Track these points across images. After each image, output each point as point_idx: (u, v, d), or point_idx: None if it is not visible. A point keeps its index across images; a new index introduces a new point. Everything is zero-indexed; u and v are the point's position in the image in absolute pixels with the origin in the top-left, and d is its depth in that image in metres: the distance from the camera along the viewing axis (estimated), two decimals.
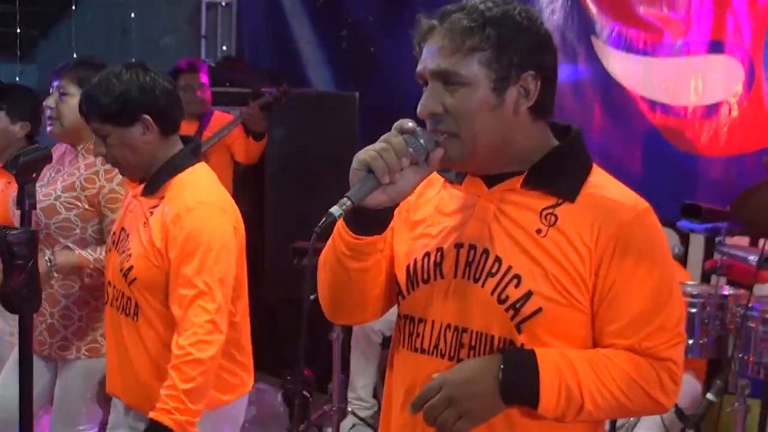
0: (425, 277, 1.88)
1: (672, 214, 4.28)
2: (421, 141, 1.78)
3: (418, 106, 1.84)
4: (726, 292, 3.67)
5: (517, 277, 1.77)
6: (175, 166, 2.82)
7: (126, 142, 2.79)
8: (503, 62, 1.80)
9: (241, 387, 2.99)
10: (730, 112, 4.86)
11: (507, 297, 1.77)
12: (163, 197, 2.79)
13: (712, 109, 4.92)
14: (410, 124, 1.79)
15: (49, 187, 3.35)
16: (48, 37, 6.81)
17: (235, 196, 5.92)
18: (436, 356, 1.85)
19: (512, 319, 1.76)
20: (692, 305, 3.53)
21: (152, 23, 7.24)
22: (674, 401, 1.87)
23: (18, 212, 2.58)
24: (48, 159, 2.47)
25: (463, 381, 1.77)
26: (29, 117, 3.90)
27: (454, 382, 1.77)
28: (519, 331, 1.76)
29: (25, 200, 2.23)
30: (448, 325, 1.84)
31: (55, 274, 3.23)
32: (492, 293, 1.78)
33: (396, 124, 1.81)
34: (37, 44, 6.65)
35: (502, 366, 1.75)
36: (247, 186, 6.09)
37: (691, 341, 3.55)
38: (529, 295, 1.75)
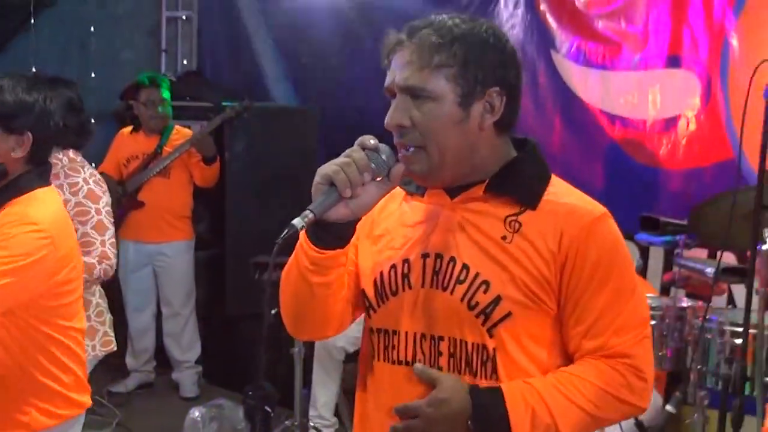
0: (393, 289, 1.91)
1: (631, 226, 4.33)
2: (383, 157, 1.81)
3: (386, 118, 1.87)
4: (684, 304, 3.71)
5: (486, 283, 1.81)
6: (17, 188, 2.64)
7: None
8: (469, 78, 1.84)
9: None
10: (687, 125, 4.94)
11: (477, 303, 1.80)
12: None
13: (670, 123, 5.00)
14: (372, 141, 1.82)
15: None
16: (6, 51, 6.75)
17: (196, 212, 5.97)
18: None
19: (483, 324, 1.81)
20: (651, 317, 3.55)
21: (112, 37, 7.20)
22: (648, 399, 1.89)
23: None
24: (5, 174, 2.43)
25: (438, 419, 1.81)
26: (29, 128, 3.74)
27: (429, 418, 1.81)
28: (490, 336, 1.80)
29: None
30: (423, 335, 1.87)
31: None
32: (462, 300, 1.82)
33: (358, 140, 1.83)
34: None
35: (471, 413, 1.78)
36: (208, 201, 6.09)
37: None
38: (498, 300, 1.79)
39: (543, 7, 5.50)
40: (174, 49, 7.68)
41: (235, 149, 5.97)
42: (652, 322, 3.59)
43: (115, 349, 3.68)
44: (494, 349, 1.81)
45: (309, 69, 6.77)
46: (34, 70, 6.60)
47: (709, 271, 3.80)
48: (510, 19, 5.66)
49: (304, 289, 1.92)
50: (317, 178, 1.79)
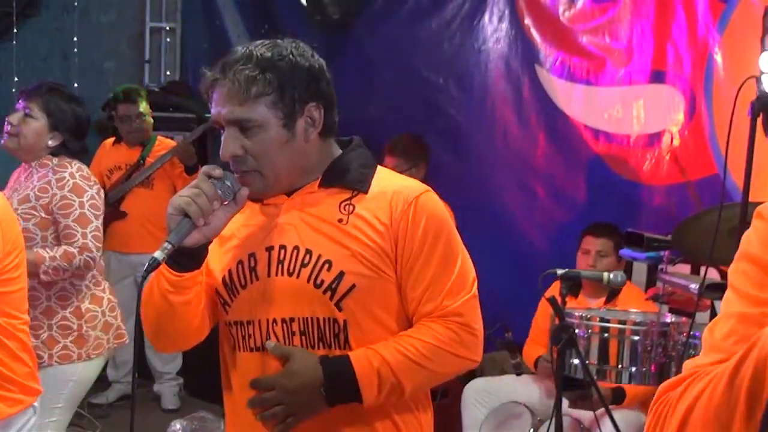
0: (242, 282, 2.07)
1: None
2: (228, 183, 1.98)
3: (220, 150, 2.03)
4: (668, 320, 3.72)
5: (328, 262, 1.98)
6: None
7: None
8: (287, 101, 2.01)
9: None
10: (671, 141, 4.95)
11: (322, 281, 1.97)
12: None
13: (654, 138, 5.03)
14: (218, 171, 1.99)
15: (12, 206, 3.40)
16: None
17: None
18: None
19: (331, 299, 1.98)
20: (635, 333, 3.56)
21: (94, 48, 7.21)
22: (478, 353, 2.12)
23: None
24: None
25: (292, 389, 1.99)
26: None
27: (284, 389, 1.99)
28: (339, 309, 1.98)
29: None
30: (274, 320, 2.02)
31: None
32: (308, 281, 1.98)
33: (203, 170, 2.00)
34: None
35: (323, 380, 1.96)
36: None
37: (634, 369, 3.59)
38: (341, 275, 1.97)
39: (527, 21, 5.54)
40: (157, 60, 7.71)
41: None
42: (636, 338, 3.60)
43: (127, 342, 3.75)
44: (344, 321, 1.99)
45: None
46: (16, 79, 6.59)
47: (693, 287, 3.81)
48: (494, 33, 5.70)
49: (165, 308, 2.07)
50: (170, 210, 1.94)
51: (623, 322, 3.69)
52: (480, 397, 4.70)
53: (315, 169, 2.11)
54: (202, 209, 1.92)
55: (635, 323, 3.68)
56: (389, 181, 2.13)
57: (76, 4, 7.12)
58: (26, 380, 2.87)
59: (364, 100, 6.12)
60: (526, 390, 4.64)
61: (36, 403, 2.94)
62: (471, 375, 4.82)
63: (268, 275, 2.04)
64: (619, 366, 3.70)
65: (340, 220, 2.05)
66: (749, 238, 1.11)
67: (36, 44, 6.89)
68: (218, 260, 2.14)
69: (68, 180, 3.53)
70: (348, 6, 6.42)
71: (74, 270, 3.46)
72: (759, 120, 3.28)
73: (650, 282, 4.66)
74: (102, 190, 3.69)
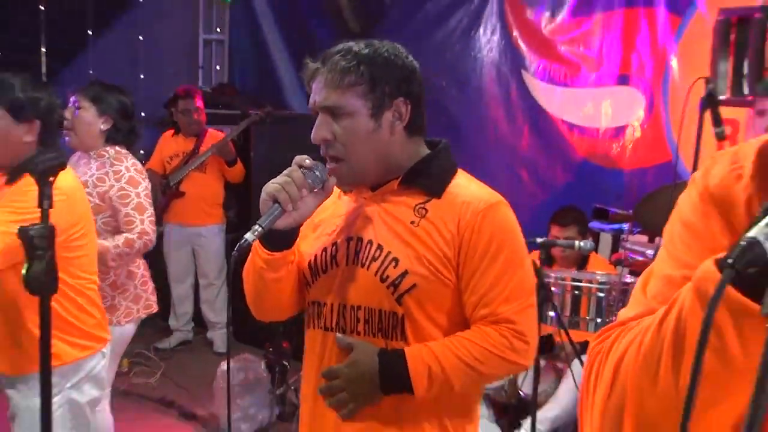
0: (324, 267, 1.92)
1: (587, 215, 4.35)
2: (317, 173, 1.80)
3: (312, 134, 1.86)
4: (628, 280, 3.72)
5: (395, 260, 1.82)
6: (32, 164, 2.42)
7: (2, 132, 2.64)
8: (377, 93, 1.82)
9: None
10: (633, 133, 4.94)
11: (387, 276, 1.82)
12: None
13: (619, 131, 5.03)
14: (308, 161, 1.82)
15: None
16: (70, 65, 6.72)
17: (227, 201, 5.96)
18: (338, 332, 1.90)
19: (393, 294, 1.81)
20: (600, 290, 3.55)
21: (158, 56, 7.16)
22: (529, 358, 1.89)
23: None
24: (63, 166, 2.38)
25: (353, 378, 1.84)
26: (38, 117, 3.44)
27: (347, 377, 1.85)
28: (400, 304, 1.81)
29: (44, 201, 2.13)
30: (343, 305, 1.88)
31: None
32: (375, 274, 1.83)
33: (296, 160, 1.83)
34: (60, 72, 6.56)
35: (379, 371, 1.82)
36: (237, 192, 6.09)
37: (599, 320, 3.57)
38: (405, 273, 1.81)
39: (515, 33, 5.52)
40: (209, 65, 7.68)
41: (258, 149, 5.97)
42: (601, 294, 3.59)
43: (156, 310, 3.63)
44: (403, 315, 1.83)
45: None
46: (91, 72, 6.59)
47: (650, 253, 3.82)
48: (488, 43, 5.67)
49: (260, 284, 1.94)
50: (263, 195, 1.78)
51: (591, 282, 3.66)
52: None
53: (399, 165, 1.90)
54: (291, 196, 1.76)
55: (600, 282, 3.66)
56: (464, 189, 1.90)
57: (142, 20, 7.10)
58: (94, 330, 2.82)
59: None
60: None
61: (105, 349, 2.88)
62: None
63: (346, 264, 1.88)
64: (587, 318, 3.65)
65: (412, 222, 1.86)
66: (683, 201, 1.04)
67: (108, 52, 6.87)
68: (309, 244, 1.99)
69: (124, 173, 3.36)
70: (366, 21, 6.39)
71: (135, 253, 3.35)
72: (707, 114, 3.27)
73: (614, 249, 4.66)
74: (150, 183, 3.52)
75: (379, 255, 1.83)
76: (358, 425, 1.88)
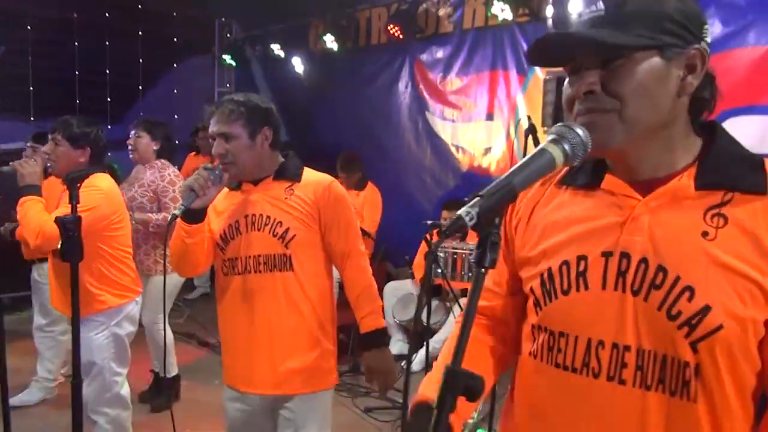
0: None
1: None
2: (217, 172, 1.91)
3: (212, 150, 1.95)
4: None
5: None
6: (86, 174, 2.44)
7: (65, 155, 2.65)
8: (252, 124, 1.95)
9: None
10: (497, 152, 5.21)
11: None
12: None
13: (488, 151, 5.30)
14: (210, 165, 1.92)
15: (133, 190, 3.64)
16: (129, 110, 6.67)
17: None
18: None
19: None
20: (471, 254, 3.57)
21: (188, 102, 7.28)
22: None
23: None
24: (83, 178, 2.28)
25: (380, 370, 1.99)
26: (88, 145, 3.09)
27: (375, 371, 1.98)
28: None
29: (73, 199, 2.08)
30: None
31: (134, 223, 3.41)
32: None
33: (202, 165, 1.92)
34: (123, 114, 6.48)
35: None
36: None
37: (470, 274, 3.73)
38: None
39: (421, 87, 5.80)
40: None
41: None
42: (471, 258, 3.33)
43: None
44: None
45: (298, 116, 6.56)
46: (141, 114, 6.52)
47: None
48: (404, 92, 5.86)
49: (182, 247, 1.99)
50: (183, 187, 1.88)
51: (464, 249, 3.93)
52: (391, 292, 4.66)
53: (268, 168, 2.01)
54: (201, 186, 1.85)
55: (471, 250, 3.75)
56: (312, 175, 2.01)
57: (176, 78, 7.22)
58: (130, 284, 2.79)
59: (335, 132, 6.11)
60: (415, 288, 4.64)
61: (138, 298, 2.83)
62: (388, 279, 4.91)
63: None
64: (462, 273, 3.89)
65: (286, 198, 1.95)
66: None
67: (154, 101, 6.88)
68: (217, 224, 2.04)
69: (168, 177, 3.52)
70: (325, 80, 6.41)
71: (167, 227, 3.44)
72: (530, 138, 3.35)
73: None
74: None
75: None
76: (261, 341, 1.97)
